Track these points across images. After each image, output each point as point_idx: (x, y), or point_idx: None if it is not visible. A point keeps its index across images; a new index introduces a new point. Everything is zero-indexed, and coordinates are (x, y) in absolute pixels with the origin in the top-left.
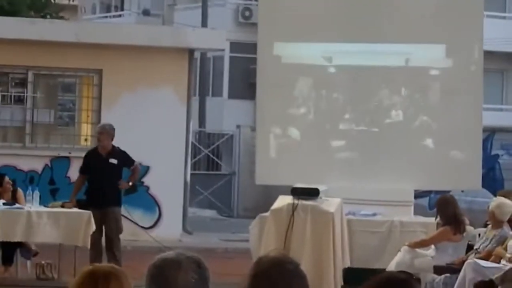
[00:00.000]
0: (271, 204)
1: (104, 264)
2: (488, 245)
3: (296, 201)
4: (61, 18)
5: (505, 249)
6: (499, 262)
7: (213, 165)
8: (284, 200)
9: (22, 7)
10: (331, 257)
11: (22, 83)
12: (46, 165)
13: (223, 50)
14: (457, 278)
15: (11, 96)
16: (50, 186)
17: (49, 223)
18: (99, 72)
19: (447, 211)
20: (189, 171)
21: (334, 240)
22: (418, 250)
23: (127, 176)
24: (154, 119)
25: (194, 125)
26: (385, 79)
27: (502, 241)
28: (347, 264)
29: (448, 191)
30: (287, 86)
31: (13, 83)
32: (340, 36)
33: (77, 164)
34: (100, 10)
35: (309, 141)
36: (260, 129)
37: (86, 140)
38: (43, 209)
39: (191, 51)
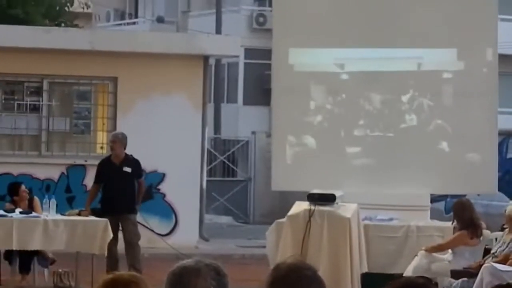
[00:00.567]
0: (288, 210)
1: (125, 272)
2: (505, 249)
3: (312, 207)
4: (76, 26)
5: None
6: None
7: (229, 172)
8: (300, 206)
9: (36, 16)
10: (348, 263)
11: (38, 92)
12: (62, 173)
13: (237, 56)
14: (474, 282)
15: (26, 104)
16: (66, 194)
17: (66, 231)
18: (114, 80)
19: (463, 215)
20: (205, 178)
21: (351, 246)
22: (435, 254)
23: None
24: (170, 126)
25: (209, 131)
26: (398, 84)
27: None
28: (365, 269)
29: (464, 195)
30: (302, 92)
31: (29, 92)
32: (354, 42)
33: (93, 172)
34: (114, 17)
35: (324, 147)
36: (276, 135)
37: (101, 148)
38: (59, 217)
39: (205, 58)
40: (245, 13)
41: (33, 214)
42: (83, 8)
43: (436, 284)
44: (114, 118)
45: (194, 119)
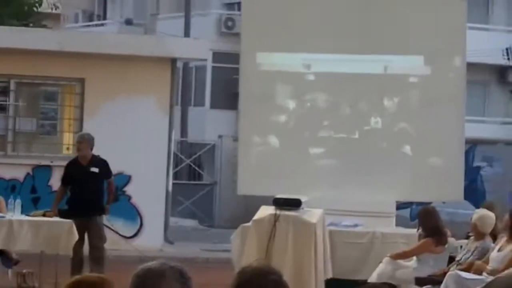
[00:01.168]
0: (253, 214)
1: (91, 274)
2: (470, 256)
3: (278, 212)
4: (44, 26)
5: (487, 260)
6: (480, 274)
7: (194, 175)
8: (266, 211)
9: (4, 16)
10: (312, 268)
11: (4, 92)
12: (28, 173)
13: (205, 60)
14: None
15: None
16: (31, 194)
17: (30, 232)
18: (81, 81)
19: (428, 222)
20: (170, 181)
21: (316, 251)
22: (399, 261)
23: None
24: (136, 128)
25: (176, 134)
26: (365, 87)
27: (484, 253)
28: (329, 275)
29: (430, 203)
30: (270, 96)
31: None
32: (322, 47)
33: (59, 173)
34: (83, 19)
35: (290, 151)
36: (242, 139)
37: (68, 149)
38: (24, 217)
39: (173, 61)
40: (214, 17)
41: None
42: (52, 9)
43: None
44: (80, 119)
45: (161, 122)
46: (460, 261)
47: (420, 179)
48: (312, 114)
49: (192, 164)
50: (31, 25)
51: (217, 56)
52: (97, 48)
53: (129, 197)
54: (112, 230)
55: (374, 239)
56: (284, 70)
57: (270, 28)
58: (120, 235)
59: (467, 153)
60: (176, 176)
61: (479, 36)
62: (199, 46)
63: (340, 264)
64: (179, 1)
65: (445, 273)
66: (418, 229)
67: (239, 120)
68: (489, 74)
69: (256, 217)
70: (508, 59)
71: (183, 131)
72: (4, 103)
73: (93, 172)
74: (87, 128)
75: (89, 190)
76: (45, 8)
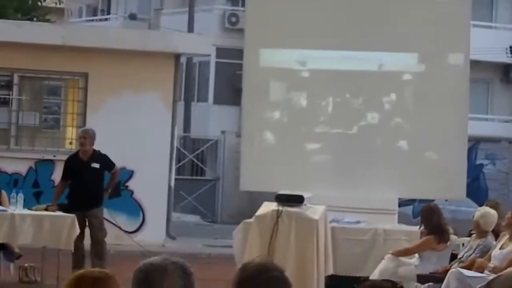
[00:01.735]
0: (255, 210)
1: (93, 269)
2: (472, 254)
3: (280, 208)
4: (48, 21)
5: (489, 258)
6: (482, 272)
7: (197, 171)
8: (268, 207)
9: (8, 9)
10: (314, 264)
11: (8, 86)
12: (31, 167)
13: (209, 55)
14: (440, 287)
15: None
16: (34, 189)
17: (32, 226)
18: (85, 76)
19: (431, 220)
20: (173, 176)
21: (318, 248)
22: (401, 258)
23: (108, 178)
24: (139, 123)
25: (179, 130)
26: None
27: (486, 250)
28: (331, 271)
29: (432, 200)
30: (273, 92)
31: None
32: (326, 44)
33: (61, 167)
34: (87, 13)
35: (293, 147)
36: (245, 135)
37: (71, 143)
38: (26, 211)
39: (177, 56)
40: (218, 13)
41: (0, 208)
42: (56, 3)
43: None
44: (84, 114)
45: (164, 117)
46: (462, 259)
47: (423, 177)
48: (314, 110)
49: (195, 160)
50: (35, 19)
51: (221, 51)
52: (100, 42)
53: (132, 192)
54: (115, 225)
55: (376, 236)
56: (287, 66)
57: (273, 24)
58: (122, 230)
59: (470, 150)
60: (179, 171)
61: (483, 34)
62: (202, 42)
63: (342, 261)
64: None
65: (447, 271)
66: (420, 227)
67: (242, 116)
68: (493, 72)
69: (258, 213)
70: None
71: (186, 127)
72: (8, 97)
73: (93, 167)
74: (90, 122)
75: (89, 185)
76: (49, 2)
